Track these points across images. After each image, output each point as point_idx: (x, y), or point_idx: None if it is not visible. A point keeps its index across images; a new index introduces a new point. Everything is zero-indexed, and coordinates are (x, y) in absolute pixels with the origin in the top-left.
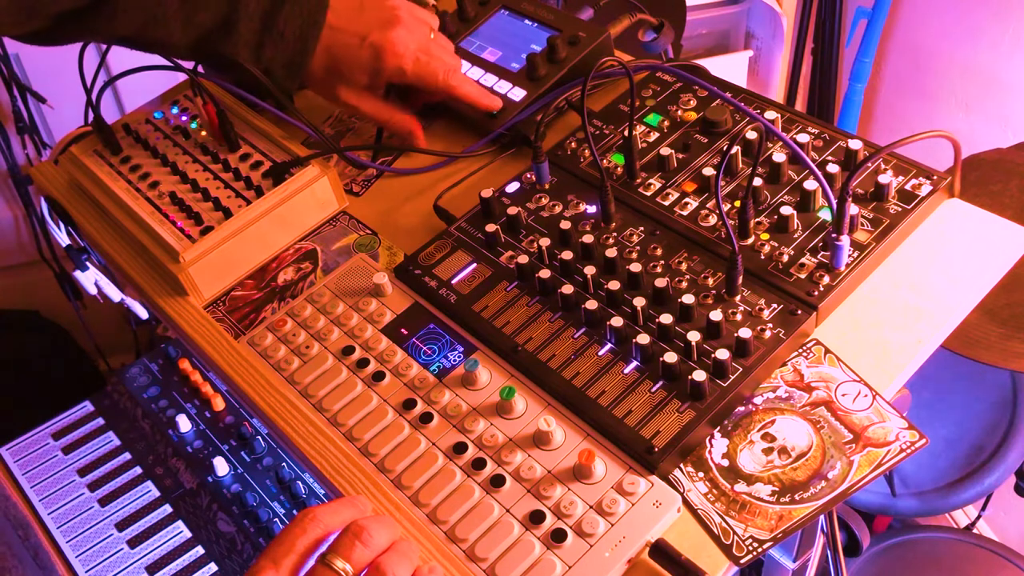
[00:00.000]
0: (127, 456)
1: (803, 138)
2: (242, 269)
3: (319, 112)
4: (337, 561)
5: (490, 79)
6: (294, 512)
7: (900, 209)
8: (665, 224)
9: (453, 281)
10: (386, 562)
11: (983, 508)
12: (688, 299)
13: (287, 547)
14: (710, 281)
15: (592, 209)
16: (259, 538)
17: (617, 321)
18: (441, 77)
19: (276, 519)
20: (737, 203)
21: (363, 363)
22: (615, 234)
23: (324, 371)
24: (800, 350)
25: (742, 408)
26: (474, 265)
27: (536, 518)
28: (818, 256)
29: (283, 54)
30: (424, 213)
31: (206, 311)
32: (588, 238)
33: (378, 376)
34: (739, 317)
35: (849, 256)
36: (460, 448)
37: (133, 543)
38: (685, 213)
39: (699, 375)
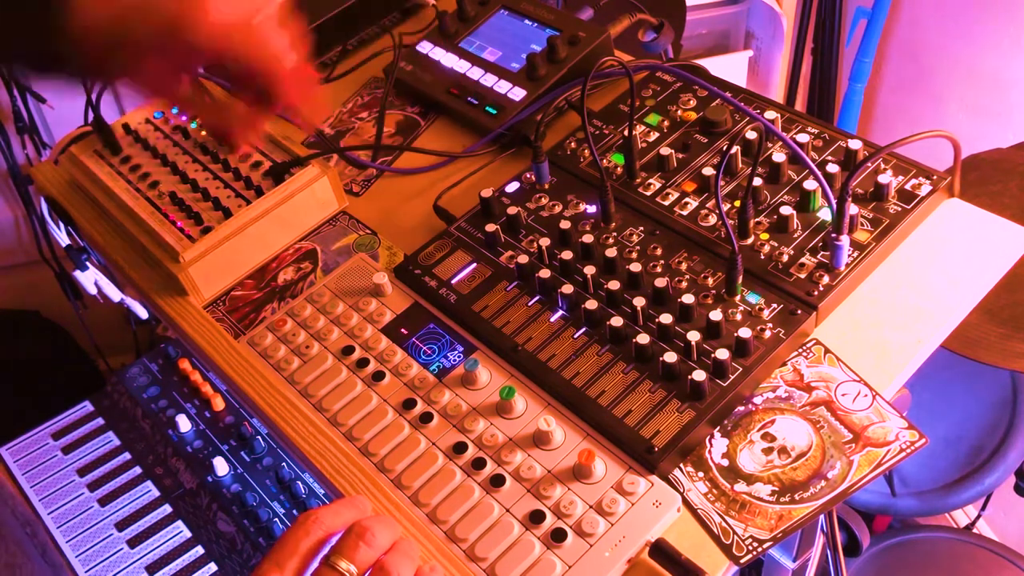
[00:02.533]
0: (127, 456)
1: (803, 138)
2: (242, 269)
3: (319, 112)
4: (341, 562)
5: (490, 79)
6: (294, 512)
7: (900, 209)
8: (665, 224)
9: (453, 281)
10: (390, 562)
11: (983, 508)
12: (688, 299)
13: (290, 550)
14: (710, 281)
15: (592, 209)
16: (259, 538)
17: (617, 321)
18: (271, 62)
19: (276, 519)
20: (737, 203)
21: (363, 363)
22: (615, 234)
23: (324, 371)
24: (800, 350)
25: (742, 408)
26: (474, 265)
27: (536, 518)
28: (818, 256)
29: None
30: (424, 213)
31: (206, 311)
32: (588, 238)
33: (378, 376)
34: (739, 317)
35: (849, 256)
36: (460, 448)
37: (133, 543)
38: (685, 213)
39: (699, 375)
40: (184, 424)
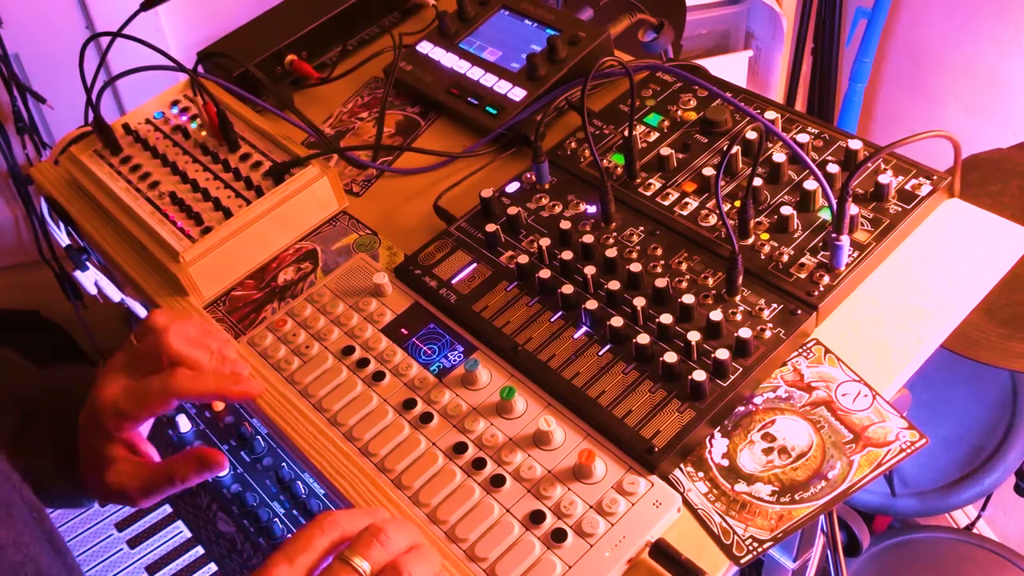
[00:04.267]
0: None
1: (803, 138)
2: (242, 269)
3: (319, 112)
4: (355, 559)
5: (490, 79)
6: (294, 512)
7: (900, 209)
8: (665, 224)
9: (453, 281)
10: (404, 562)
11: (983, 508)
12: (688, 299)
13: (302, 545)
14: (710, 281)
15: (592, 209)
16: (259, 538)
17: (617, 321)
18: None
19: (276, 519)
20: (737, 203)
21: (363, 363)
22: (615, 234)
23: (324, 371)
24: (800, 350)
25: (742, 408)
26: (474, 265)
27: (536, 518)
28: (818, 256)
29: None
30: (424, 213)
31: (206, 311)
32: (588, 238)
33: (378, 376)
34: (739, 317)
35: (849, 256)
36: (460, 448)
37: (133, 543)
38: (685, 213)
39: (699, 375)
40: (184, 424)
